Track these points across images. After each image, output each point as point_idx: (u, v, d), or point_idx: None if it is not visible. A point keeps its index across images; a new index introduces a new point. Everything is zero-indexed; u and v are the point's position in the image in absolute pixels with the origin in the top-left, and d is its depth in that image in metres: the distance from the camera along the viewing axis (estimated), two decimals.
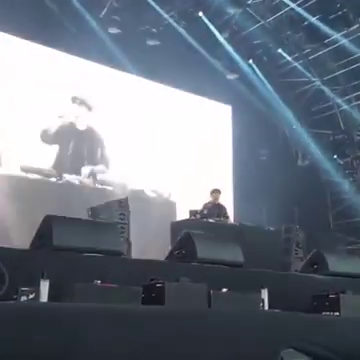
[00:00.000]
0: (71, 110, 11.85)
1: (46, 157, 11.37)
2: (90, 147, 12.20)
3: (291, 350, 3.21)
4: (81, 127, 12.16)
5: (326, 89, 13.32)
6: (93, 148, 12.24)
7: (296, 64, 13.15)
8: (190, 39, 12.42)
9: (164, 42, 13.22)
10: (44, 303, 3.67)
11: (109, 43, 11.84)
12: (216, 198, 9.22)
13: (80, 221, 5.21)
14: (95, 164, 12.21)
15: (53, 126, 11.50)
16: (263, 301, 4.85)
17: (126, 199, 7.74)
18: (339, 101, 13.39)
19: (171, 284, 4.20)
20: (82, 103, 12.02)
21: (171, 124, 13.19)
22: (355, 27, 11.87)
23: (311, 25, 11.78)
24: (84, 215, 7.14)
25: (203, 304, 4.27)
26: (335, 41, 12.21)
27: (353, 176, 12.80)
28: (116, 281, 4.13)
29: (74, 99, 11.87)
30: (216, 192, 9.33)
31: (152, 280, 4.35)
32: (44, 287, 3.76)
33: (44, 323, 3.23)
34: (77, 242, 4.75)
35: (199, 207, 9.25)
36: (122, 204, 7.53)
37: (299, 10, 11.51)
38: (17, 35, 10.89)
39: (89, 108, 12.13)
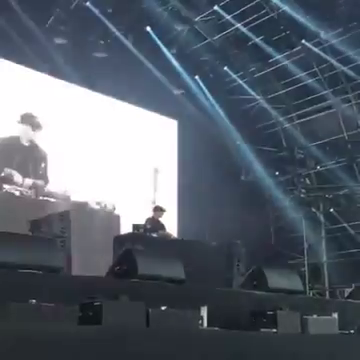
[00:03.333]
0: (17, 125, 11.69)
1: None
2: (34, 163, 12.02)
3: None
4: (26, 142, 11.98)
5: (270, 107, 13.66)
6: (36, 164, 12.06)
7: (241, 82, 13.43)
8: (137, 53, 12.44)
9: (111, 54, 13.20)
10: None
11: (54, 53, 11.67)
12: (158, 216, 9.17)
13: (16, 235, 5.02)
14: (37, 179, 12.01)
15: None
16: (202, 318, 4.86)
17: (67, 212, 7.59)
18: (281, 119, 13.76)
19: (109, 303, 4.12)
20: (28, 118, 11.87)
21: (117, 137, 13.11)
22: (297, 49, 12.29)
23: (255, 45, 12.10)
24: (25, 228, 6.95)
25: (141, 323, 4.23)
26: (278, 61, 12.59)
27: (293, 193, 13.14)
28: (54, 299, 4.02)
29: (22, 115, 11.73)
30: (158, 210, 9.26)
31: (90, 298, 4.27)
32: None
33: None
34: (12, 258, 4.59)
35: (143, 221, 9.21)
36: (63, 217, 7.37)
37: (244, 30, 11.80)
38: None
39: (35, 123, 11.98)
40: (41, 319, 3.75)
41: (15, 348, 3.23)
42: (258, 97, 13.64)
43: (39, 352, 3.32)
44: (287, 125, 13.77)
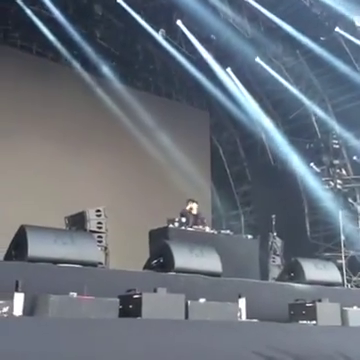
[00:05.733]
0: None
1: None
2: None
3: None
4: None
5: (303, 97, 13.41)
6: None
7: (273, 72, 13.23)
8: (168, 46, 12.42)
9: (143, 48, 13.27)
10: (18, 317, 3.60)
11: (88, 50, 11.84)
12: (192, 208, 9.09)
13: (56, 231, 5.13)
14: None
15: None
16: (240, 310, 4.85)
17: (104, 207, 7.67)
18: (316, 109, 13.50)
19: (148, 295, 4.17)
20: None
21: (150, 130, 13.14)
22: (331, 36, 12.02)
23: (288, 34, 11.88)
24: (61, 223, 7.07)
25: (180, 315, 4.25)
26: (312, 50, 12.33)
27: (329, 184, 12.89)
28: (93, 292, 4.08)
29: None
30: (191, 202, 9.19)
31: (129, 291, 4.32)
32: (18, 300, 3.68)
33: (18, 338, 3.17)
34: (53, 253, 4.70)
35: (177, 215, 9.17)
36: (100, 212, 7.45)
37: (276, 20, 11.60)
38: None
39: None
40: (82, 311, 3.81)
41: (56, 340, 3.29)
42: (291, 87, 13.40)
43: (80, 344, 3.37)
44: (321, 114, 13.49)
